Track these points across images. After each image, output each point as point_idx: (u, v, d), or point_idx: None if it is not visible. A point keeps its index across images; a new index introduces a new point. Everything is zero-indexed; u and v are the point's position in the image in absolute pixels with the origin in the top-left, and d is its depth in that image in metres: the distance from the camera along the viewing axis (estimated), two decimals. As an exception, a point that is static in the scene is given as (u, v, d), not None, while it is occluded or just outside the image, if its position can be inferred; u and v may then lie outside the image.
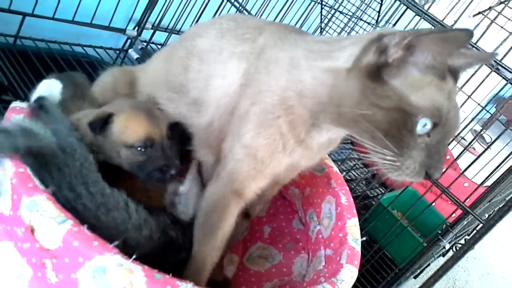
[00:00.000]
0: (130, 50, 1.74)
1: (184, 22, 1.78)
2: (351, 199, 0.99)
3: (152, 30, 1.77)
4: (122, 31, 1.69)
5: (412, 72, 0.67)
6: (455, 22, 1.44)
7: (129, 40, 1.75)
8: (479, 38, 1.30)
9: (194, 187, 0.84)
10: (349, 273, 0.78)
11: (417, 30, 0.89)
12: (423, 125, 0.65)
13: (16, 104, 0.75)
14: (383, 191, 1.73)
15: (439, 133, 0.67)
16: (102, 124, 0.76)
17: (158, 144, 0.78)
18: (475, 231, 1.27)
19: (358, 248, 0.86)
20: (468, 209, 1.18)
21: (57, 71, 1.29)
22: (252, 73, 0.81)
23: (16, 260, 0.61)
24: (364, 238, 1.01)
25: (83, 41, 1.58)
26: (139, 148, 0.77)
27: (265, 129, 0.77)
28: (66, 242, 0.56)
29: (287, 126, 0.77)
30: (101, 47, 1.65)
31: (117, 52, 1.74)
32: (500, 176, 1.20)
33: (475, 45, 1.21)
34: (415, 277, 1.71)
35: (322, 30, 2.20)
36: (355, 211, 0.96)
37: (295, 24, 1.91)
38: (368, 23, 2.13)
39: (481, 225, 1.11)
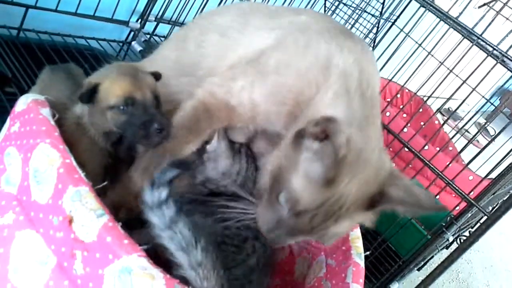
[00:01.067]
0: (133, 43, 1.74)
1: (187, 14, 1.77)
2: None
3: (155, 22, 1.76)
4: (125, 23, 1.68)
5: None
6: (460, 14, 1.43)
7: (132, 33, 1.74)
8: (485, 30, 1.29)
9: (222, 142, 0.87)
10: None
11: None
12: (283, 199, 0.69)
13: (37, 96, 0.75)
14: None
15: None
16: (89, 94, 0.78)
17: (139, 102, 0.79)
18: (479, 223, 1.27)
19: (362, 264, 0.86)
20: (473, 201, 1.18)
21: (60, 64, 1.29)
22: (285, 39, 0.83)
23: (39, 248, 0.62)
24: (368, 253, 1.02)
25: (86, 34, 1.57)
26: (120, 107, 0.78)
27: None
28: (100, 237, 0.57)
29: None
30: (104, 40, 1.65)
31: (120, 44, 1.73)
32: (504, 169, 1.20)
33: (480, 37, 1.20)
34: (418, 269, 1.71)
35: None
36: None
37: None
38: (372, 15, 2.12)
39: (485, 217, 1.11)
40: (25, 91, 1.11)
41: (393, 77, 1.63)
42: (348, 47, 0.79)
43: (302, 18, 0.87)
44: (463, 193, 1.20)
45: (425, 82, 1.47)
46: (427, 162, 1.29)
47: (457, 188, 1.21)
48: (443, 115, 4.37)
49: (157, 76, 0.86)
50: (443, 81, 1.45)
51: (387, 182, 0.70)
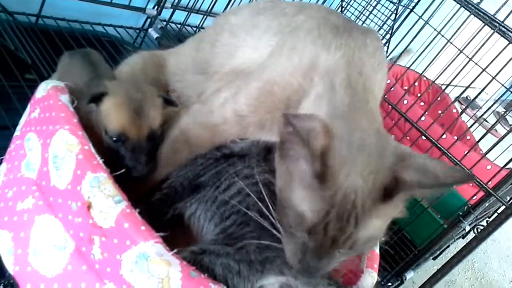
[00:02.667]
0: (150, 29, 1.74)
1: (203, 1, 1.77)
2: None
3: (172, 9, 1.76)
4: (142, 10, 1.69)
5: None
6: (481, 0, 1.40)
7: (148, 19, 1.75)
8: (507, 17, 1.26)
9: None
10: (370, 278, 0.78)
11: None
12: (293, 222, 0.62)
13: (56, 83, 0.75)
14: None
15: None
16: (94, 97, 0.77)
17: (130, 143, 0.77)
18: (496, 213, 1.25)
19: (377, 250, 0.85)
20: (491, 191, 1.17)
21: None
22: (276, 44, 0.82)
23: (58, 233, 0.63)
24: (383, 239, 1.00)
25: (104, 20, 1.58)
26: (113, 138, 0.77)
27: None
28: (118, 223, 0.58)
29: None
30: (121, 26, 1.65)
31: (137, 31, 1.74)
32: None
33: (502, 23, 1.18)
34: (434, 259, 1.70)
35: (343, 9, 2.17)
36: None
37: (316, 2, 1.88)
38: (391, 1, 2.08)
39: (503, 207, 1.10)
40: (45, 78, 1.12)
41: (411, 65, 1.61)
42: (336, 44, 0.75)
43: (300, 17, 0.84)
44: (481, 182, 1.18)
45: (444, 70, 1.45)
46: (445, 151, 1.27)
47: (475, 177, 1.20)
48: (461, 103, 4.31)
49: (172, 103, 0.84)
50: (462, 69, 1.42)
51: (398, 165, 0.61)
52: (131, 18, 1.71)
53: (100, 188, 0.60)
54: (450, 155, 1.27)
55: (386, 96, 1.87)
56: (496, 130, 3.67)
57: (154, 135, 0.79)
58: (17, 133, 0.77)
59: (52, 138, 0.66)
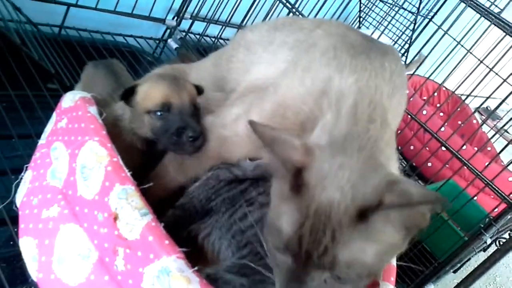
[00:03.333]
0: (169, 40, 1.77)
1: (222, 11, 1.78)
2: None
3: (191, 20, 1.78)
4: (162, 21, 1.71)
5: None
6: (502, 10, 1.39)
7: (168, 30, 1.77)
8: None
9: None
10: None
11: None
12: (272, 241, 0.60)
13: (84, 94, 0.77)
14: (423, 184, 1.69)
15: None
16: (127, 94, 0.80)
17: (175, 108, 0.79)
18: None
19: (394, 263, 0.83)
20: (512, 202, 1.15)
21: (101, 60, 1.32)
22: (292, 61, 0.80)
23: (82, 242, 0.64)
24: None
25: (124, 31, 1.61)
26: (157, 113, 0.79)
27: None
28: (143, 235, 0.58)
29: None
30: (141, 37, 1.68)
31: (157, 41, 1.76)
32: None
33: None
34: (454, 272, 1.67)
35: (361, 19, 2.17)
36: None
37: (334, 13, 1.89)
38: (409, 11, 2.08)
39: (526, 220, 1.08)
40: (67, 87, 1.14)
41: (430, 75, 1.59)
42: (351, 67, 0.73)
43: (318, 31, 0.83)
44: (503, 194, 1.16)
45: (464, 81, 1.44)
46: (466, 162, 1.26)
47: (496, 188, 1.18)
48: (482, 114, 4.24)
49: (199, 89, 0.86)
50: (482, 80, 1.41)
51: (385, 190, 0.57)
52: (151, 29, 1.74)
53: (127, 200, 0.61)
54: (471, 166, 1.25)
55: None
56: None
57: (195, 104, 0.82)
58: (42, 141, 0.78)
59: (80, 149, 0.67)
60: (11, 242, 0.85)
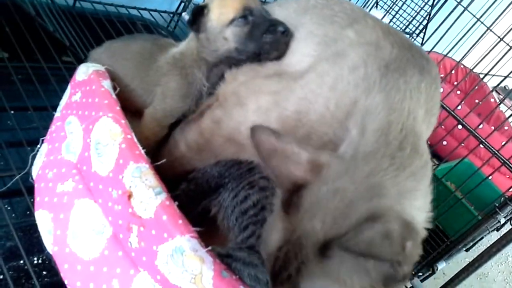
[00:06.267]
0: (183, 13, 1.75)
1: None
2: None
3: (206, -7, 1.76)
4: (176, -6, 1.69)
5: None
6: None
7: (182, 3, 1.75)
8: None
9: None
10: None
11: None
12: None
13: (97, 67, 0.77)
14: (437, 163, 1.68)
15: None
16: (196, 17, 0.79)
17: (257, 10, 0.79)
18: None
19: None
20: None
21: (114, 33, 1.32)
22: (317, 68, 0.73)
23: (97, 217, 0.65)
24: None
25: (139, 4, 1.59)
26: (241, 19, 0.78)
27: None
28: (157, 214, 0.59)
29: None
30: (155, 10, 1.66)
31: (171, 15, 1.74)
32: None
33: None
34: (466, 250, 1.67)
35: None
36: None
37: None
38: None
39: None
40: (82, 61, 1.14)
41: (448, 53, 1.56)
42: (381, 86, 0.67)
43: (349, 33, 0.75)
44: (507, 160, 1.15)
45: (482, 59, 1.41)
46: (483, 140, 1.24)
47: (500, 156, 1.17)
48: (499, 93, 4.17)
49: None
50: (501, 58, 1.37)
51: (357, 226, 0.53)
52: (165, 2, 1.72)
53: (141, 178, 0.61)
54: (487, 144, 1.23)
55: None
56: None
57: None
58: (57, 114, 0.78)
59: (95, 125, 0.67)
60: (28, 212, 0.86)
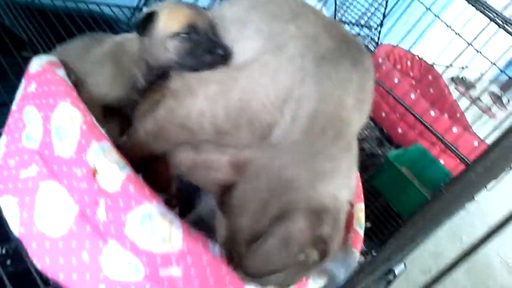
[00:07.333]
0: (144, 9, 1.76)
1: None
2: (360, 184, 0.99)
3: (166, -12, 1.77)
4: (137, -11, 1.70)
5: None
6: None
7: (143, -1, 1.76)
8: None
9: None
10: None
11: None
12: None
13: (50, 58, 0.79)
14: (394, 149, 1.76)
15: None
16: (146, 22, 0.80)
17: (202, 29, 0.80)
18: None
19: (361, 233, 0.89)
20: (468, 162, 1.22)
21: (74, 29, 1.33)
22: (259, 61, 0.77)
23: (62, 198, 0.67)
24: (369, 225, 1.01)
25: (99, 0, 1.60)
26: (184, 35, 0.80)
27: None
28: (124, 187, 0.62)
29: None
30: (116, 5, 1.67)
31: (132, 10, 1.75)
32: (501, 134, 1.22)
33: (484, 3, 1.21)
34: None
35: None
36: (362, 196, 0.97)
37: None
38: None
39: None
40: (41, 55, 1.15)
41: (401, 44, 1.63)
42: (314, 78, 0.72)
43: (291, 27, 0.79)
44: (461, 155, 1.23)
45: (432, 48, 1.48)
46: (428, 126, 1.32)
47: (454, 149, 1.25)
48: (456, 84, 4.33)
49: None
50: (448, 46, 1.45)
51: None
52: (125, -3, 1.73)
53: (105, 155, 0.64)
54: (433, 129, 1.31)
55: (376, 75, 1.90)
56: (490, 109, 3.71)
57: (214, 29, 0.83)
58: (14, 107, 0.80)
59: (53, 111, 0.69)
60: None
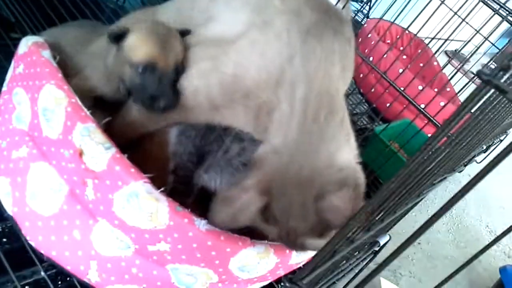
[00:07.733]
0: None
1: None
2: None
3: (155, -34, 1.75)
4: (124, -33, 1.68)
5: None
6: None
7: (131, -23, 1.74)
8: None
9: None
10: None
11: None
12: None
13: (36, 39, 0.79)
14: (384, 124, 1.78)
15: None
16: (117, 36, 0.78)
17: (158, 71, 0.77)
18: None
19: None
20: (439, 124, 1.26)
21: (62, 9, 1.32)
22: (247, 37, 0.78)
23: (53, 178, 0.70)
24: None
25: (86, -22, 1.58)
26: (139, 69, 0.77)
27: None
28: (110, 166, 0.64)
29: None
30: (103, -15, 1.66)
31: (120, -11, 1.74)
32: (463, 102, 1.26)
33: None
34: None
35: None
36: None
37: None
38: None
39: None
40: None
41: (395, 20, 1.63)
42: (301, 55, 0.74)
43: (275, 2, 0.79)
44: (432, 118, 1.28)
45: (425, 23, 1.48)
46: (411, 100, 1.36)
47: (426, 113, 1.33)
48: (449, 56, 4.33)
49: (185, 33, 0.84)
50: (444, 21, 1.46)
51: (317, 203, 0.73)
52: (113, -24, 1.71)
53: (90, 136, 0.65)
54: (415, 103, 1.36)
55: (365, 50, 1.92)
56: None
57: (178, 68, 0.80)
58: (4, 88, 0.82)
59: (40, 93, 0.71)
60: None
